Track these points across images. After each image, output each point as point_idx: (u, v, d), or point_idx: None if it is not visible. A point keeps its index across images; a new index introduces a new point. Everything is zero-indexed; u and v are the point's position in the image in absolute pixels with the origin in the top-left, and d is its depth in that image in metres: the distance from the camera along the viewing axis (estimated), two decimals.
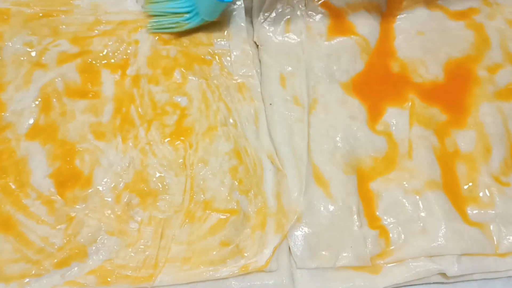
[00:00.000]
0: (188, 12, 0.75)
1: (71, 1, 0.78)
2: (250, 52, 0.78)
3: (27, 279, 0.62)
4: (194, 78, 0.75)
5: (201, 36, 0.78)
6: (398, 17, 0.81)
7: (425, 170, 0.70)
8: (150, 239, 0.65)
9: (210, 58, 0.77)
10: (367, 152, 0.72)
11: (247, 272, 0.64)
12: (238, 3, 0.80)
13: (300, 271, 0.66)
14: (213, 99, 0.74)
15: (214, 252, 0.64)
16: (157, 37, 0.77)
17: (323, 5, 0.80)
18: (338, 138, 0.72)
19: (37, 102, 0.71)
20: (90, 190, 0.67)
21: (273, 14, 0.80)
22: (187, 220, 0.66)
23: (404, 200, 0.69)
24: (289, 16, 0.80)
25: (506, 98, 0.76)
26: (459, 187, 0.71)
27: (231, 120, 0.73)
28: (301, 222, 0.67)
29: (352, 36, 0.78)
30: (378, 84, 0.77)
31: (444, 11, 0.82)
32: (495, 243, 0.68)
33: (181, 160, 0.69)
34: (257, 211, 0.68)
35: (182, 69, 0.75)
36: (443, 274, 0.67)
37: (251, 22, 0.81)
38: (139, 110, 0.72)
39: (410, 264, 0.66)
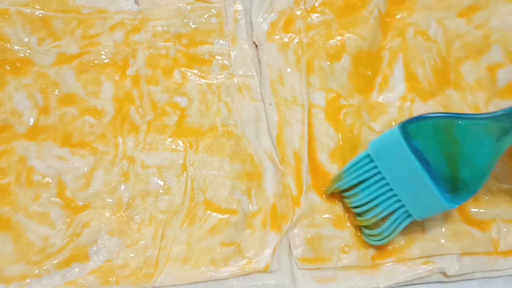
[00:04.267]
0: (394, 211, 0.63)
1: (70, 2, 0.78)
2: (250, 52, 0.78)
3: (28, 280, 0.62)
4: (194, 78, 0.75)
5: (201, 36, 0.78)
6: (397, 17, 0.81)
7: None
8: (151, 240, 0.65)
9: (210, 58, 0.77)
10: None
11: (248, 273, 0.64)
12: (238, 3, 0.81)
13: (301, 271, 0.66)
14: (213, 99, 0.74)
15: (215, 252, 0.65)
16: (156, 37, 0.77)
17: (323, 4, 0.80)
18: (338, 137, 0.72)
19: (37, 103, 0.71)
20: (90, 191, 0.67)
21: (272, 14, 0.80)
22: (187, 221, 0.66)
23: None
24: (288, 16, 0.79)
25: (506, 96, 0.76)
26: None
27: (231, 120, 0.73)
28: (301, 222, 0.67)
29: (351, 36, 0.78)
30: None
31: (443, 10, 0.82)
32: (496, 241, 0.68)
33: (182, 160, 0.69)
34: (258, 211, 0.68)
35: (181, 69, 0.75)
36: (444, 273, 0.67)
37: (251, 22, 0.81)
38: (139, 110, 0.72)
39: (411, 263, 0.66)
